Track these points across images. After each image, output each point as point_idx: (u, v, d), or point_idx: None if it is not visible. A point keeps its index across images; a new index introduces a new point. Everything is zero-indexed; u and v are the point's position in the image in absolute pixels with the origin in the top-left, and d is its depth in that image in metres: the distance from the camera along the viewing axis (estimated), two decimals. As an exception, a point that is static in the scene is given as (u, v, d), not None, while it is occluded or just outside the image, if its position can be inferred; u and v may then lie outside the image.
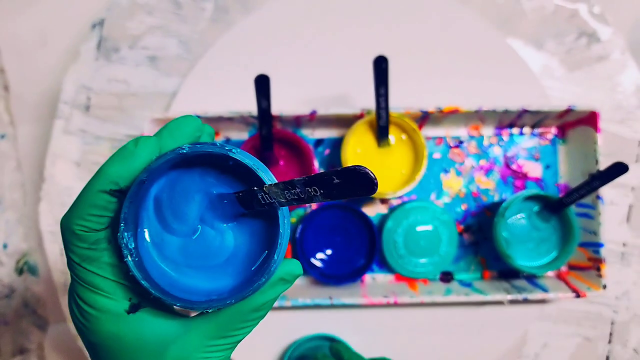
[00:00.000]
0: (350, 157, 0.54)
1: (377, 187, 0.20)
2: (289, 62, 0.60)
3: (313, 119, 0.55)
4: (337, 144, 0.58)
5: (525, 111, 0.54)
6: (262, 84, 0.48)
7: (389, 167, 0.55)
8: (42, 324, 0.62)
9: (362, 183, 0.20)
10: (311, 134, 0.58)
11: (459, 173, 0.58)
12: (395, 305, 0.57)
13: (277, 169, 0.56)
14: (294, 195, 0.23)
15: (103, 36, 0.60)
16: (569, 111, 0.54)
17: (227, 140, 0.58)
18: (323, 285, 0.56)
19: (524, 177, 0.59)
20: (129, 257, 0.25)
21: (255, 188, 0.25)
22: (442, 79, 0.60)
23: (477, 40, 0.60)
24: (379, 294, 0.54)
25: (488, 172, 0.59)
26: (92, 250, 0.25)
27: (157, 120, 0.54)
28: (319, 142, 0.58)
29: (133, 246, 0.25)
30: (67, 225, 0.25)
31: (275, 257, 0.25)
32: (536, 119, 0.57)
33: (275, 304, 0.52)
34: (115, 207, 0.25)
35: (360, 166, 0.20)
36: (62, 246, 0.57)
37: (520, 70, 0.60)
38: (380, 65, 0.48)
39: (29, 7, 0.63)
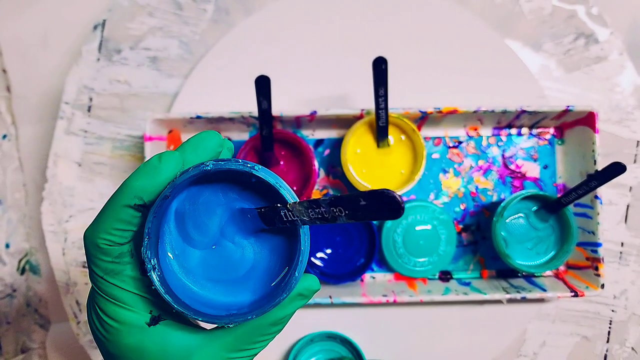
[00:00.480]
0: (350, 157, 0.54)
1: (403, 211, 0.20)
2: (289, 62, 0.60)
3: (313, 120, 0.55)
4: (337, 144, 0.58)
5: (523, 111, 0.54)
6: (263, 85, 0.48)
7: (388, 167, 0.55)
8: (44, 323, 0.62)
9: (390, 207, 0.20)
10: (311, 134, 0.59)
11: (457, 173, 0.59)
12: (395, 304, 0.57)
13: (277, 169, 0.56)
14: (317, 214, 0.23)
15: (104, 37, 0.61)
16: (567, 112, 0.54)
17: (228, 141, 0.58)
18: (323, 284, 0.57)
19: (522, 177, 0.59)
20: (152, 271, 0.25)
21: (278, 205, 0.25)
22: (440, 79, 0.60)
23: (475, 41, 0.61)
24: (378, 293, 0.54)
25: (486, 172, 0.59)
26: (115, 263, 0.25)
27: (159, 121, 0.54)
28: (319, 143, 0.59)
29: (156, 260, 0.25)
30: (91, 239, 0.25)
31: (297, 274, 0.26)
32: (534, 120, 0.57)
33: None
34: (138, 221, 0.25)
35: (388, 190, 0.20)
36: (64, 246, 0.58)
37: (518, 71, 0.60)
38: (380, 66, 0.48)
39: (30, 8, 0.63)
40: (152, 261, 0.25)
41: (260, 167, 0.26)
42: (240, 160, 0.26)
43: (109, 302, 0.26)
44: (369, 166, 0.55)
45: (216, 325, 0.27)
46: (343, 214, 0.22)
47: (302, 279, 0.27)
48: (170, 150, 0.25)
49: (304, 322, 0.58)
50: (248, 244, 0.28)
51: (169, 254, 0.27)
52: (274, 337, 0.28)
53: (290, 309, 0.28)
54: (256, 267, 0.28)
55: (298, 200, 0.25)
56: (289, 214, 0.24)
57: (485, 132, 0.59)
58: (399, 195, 0.20)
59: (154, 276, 0.25)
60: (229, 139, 0.58)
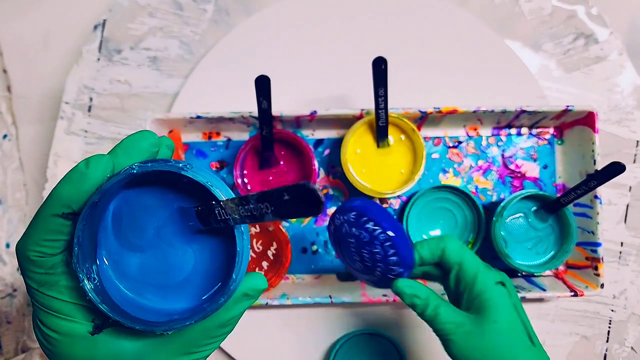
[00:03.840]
0: (350, 157, 0.54)
1: (323, 206, 0.19)
2: (289, 62, 0.60)
3: (313, 120, 0.55)
4: (336, 144, 0.58)
5: (523, 111, 0.54)
6: (263, 85, 0.48)
7: (388, 167, 0.55)
8: (45, 323, 0.62)
9: (309, 201, 0.19)
10: (311, 134, 0.59)
11: (457, 173, 0.59)
12: (395, 303, 0.57)
13: (277, 169, 0.56)
14: (247, 211, 0.22)
15: (105, 37, 0.61)
16: (566, 112, 0.54)
17: (229, 141, 0.58)
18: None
19: (522, 177, 0.59)
20: (85, 281, 0.24)
21: (212, 202, 0.24)
22: (440, 79, 0.60)
23: (475, 41, 0.61)
24: (379, 292, 0.54)
25: (486, 172, 0.59)
26: (49, 275, 0.25)
27: (159, 121, 0.54)
28: (319, 143, 0.59)
29: (95, 267, 0.25)
30: (22, 252, 0.24)
31: (234, 277, 0.25)
32: (534, 120, 0.57)
33: (277, 302, 0.53)
34: (69, 230, 0.24)
35: (309, 183, 0.19)
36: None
37: (518, 71, 0.60)
38: (380, 67, 0.48)
39: (31, 9, 0.64)
40: (85, 271, 0.24)
41: (193, 165, 0.25)
42: (171, 161, 0.25)
43: (48, 314, 0.25)
44: (368, 166, 0.55)
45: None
46: (269, 210, 0.21)
47: (247, 279, 0.27)
48: (99, 154, 0.24)
49: (303, 320, 0.58)
50: (188, 247, 0.27)
51: (106, 260, 0.26)
52: (224, 338, 0.28)
53: (237, 310, 0.27)
54: (197, 270, 0.27)
55: (230, 197, 0.23)
56: (222, 212, 0.23)
57: (485, 132, 0.59)
58: (319, 189, 0.19)
59: (87, 286, 0.24)
60: (230, 139, 0.58)
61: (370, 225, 0.39)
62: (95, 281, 0.25)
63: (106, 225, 0.26)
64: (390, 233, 0.39)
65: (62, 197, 0.23)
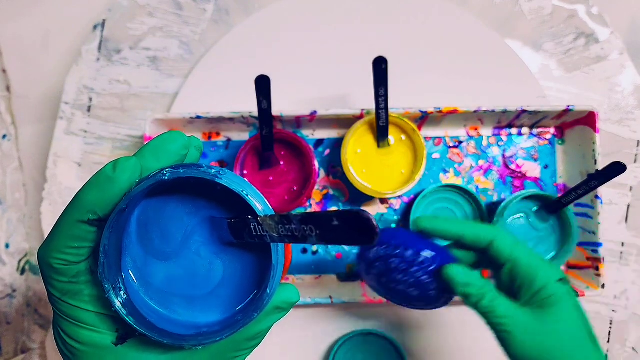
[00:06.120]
0: (350, 157, 0.54)
1: (377, 237, 0.17)
2: (289, 62, 0.60)
3: (313, 120, 0.55)
4: (337, 144, 0.58)
5: (523, 111, 0.54)
6: (263, 85, 0.48)
7: (389, 167, 0.55)
8: (44, 324, 0.62)
9: (362, 231, 0.18)
10: (311, 134, 0.59)
11: (457, 173, 0.59)
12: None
13: (277, 169, 0.56)
14: (287, 231, 0.21)
15: (104, 37, 0.61)
16: (567, 111, 0.54)
17: (228, 141, 0.58)
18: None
19: (523, 177, 0.59)
20: (111, 291, 0.23)
21: (249, 217, 0.23)
22: (441, 79, 0.60)
23: (476, 41, 0.61)
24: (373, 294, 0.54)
25: (487, 172, 0.59)
26: (72, 283, 0.23)
27: (159, 121, 0.54)
28: (319, 143, 0.59)
29: (120, 278, 0.24)
30: (44, 259, 0.23)
31: (268, 291, 0.24)
32: (535, 119, 0.57)
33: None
34: (95, 237, 0.23)
35: (364, 211, 0.18)
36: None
37: (519, 71, 0.60)
38: (380, 66, 0.48)
39: (30, 9, 0.63)
40: (110, 280, 0.23)
41: (226, 172, 0.23)
42: (203, 166, 0.23)
43: (70, 323, 0.24)
44: (369, 166, 0.55)
45: None
46: (314, 234, 0.20)
47: (280, 290, 0.26)
48: (126, 157, 0.23)
49: (302, 320, 0.58)
50: (216, 257, 0.26)
51: (131, 269, 0.25)
52: (251, 351, 0.27)
53: (267, 323, 0.26)
54: (226, 282, 0.26)
55: (269, 214, 0.22)
56: (259, 228, 0.22)
57: (486, 132, 0.59)
58: (374, 219, 0.17)
59: (114, 297, 0.23)
60: (230, 139, 0.58)
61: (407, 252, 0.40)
62: (121, 291, 0.23)
63: (130, 232, 0.25)
64: (428, 253, 0.39)
65: (87, 202, 0.22)
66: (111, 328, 0.25)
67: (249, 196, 0.23)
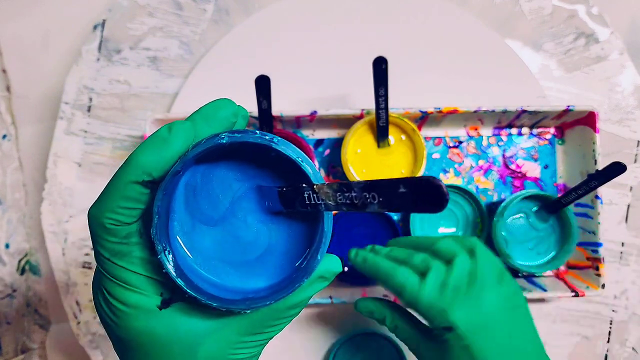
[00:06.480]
0: (350, 157, 0.54)
1: (447, 204, 0.17)
2: (289, 62, 0.60)
3: (313, 120, 0.55)
4: (337, 144, 0.58)
5: (523, 111, 0.54)
6: (263, 85, 0.48)
7: (389, 167, 0.55)
8: (44, 324, 0.62)
9: (433, 198, 0.17)
10: (311, 134, 0.59)
11: (457, 173, 0.59)
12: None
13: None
14: (346, 199, 0.21)
15: (104, 37, 0.61)
16: (567, 111, 0.54)
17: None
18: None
19: (523, 177, 0.59)
20: (163, 252, 0.23)
21: (303, 185, 0.23)
22: (441, 79, 0.60)
23: (476, 41, 0.61)
24: (379, 292, 0.54)
25: (487, 172, 0.59)
26: (123, 244, 0.24)
27: (159, 121, 0.54)
28: (319, 143, 0.59)
29: (167, 242, 0.24)
30: (96, 219, 0.23)
31: (318, 257, 0.24)
32: (535, 119, 0.57)
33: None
34: (147, 199, 0.23)
35: (434, 178, 0.17)
36: (63, 246, 0.58)
37: (519, 71, 0.60)
38: (380, 66, 0.48)
39: (30, 9, 0.63)
40: (162, 242, 0.23)
41: (280, 139, 0.23)
42: (257, 132, 0.23)
43: (117, 285, 0.24)
44: (369, 166, 0.55)
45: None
46: (376, 201, 0.19)
47: (323, 260, 0.25)
48: (180, 121, 0.23)
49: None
50: (263, 225, 0.26)
51: (179, 234, 0.25)
52: (290, 320, 0.27)
53: (310, 292, 0.26)
54: (272, 248, 0.26)
55: (325, 182, 0.22)
56: (314, 197, 0.22)
57: (486, 132, 0.59)
58: (444, 186, 0.17)
59: (165, 258, 0.23)
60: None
61: None
62: (169, 254, 0.23)
63: (178, 197, 0.25)
64: None
65: (142, 163, 0.22)
66: (156, 292, 0.25)
67: (304, 163, 0.23)
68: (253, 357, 0.27)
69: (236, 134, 0.23)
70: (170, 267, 0.23)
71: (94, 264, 0.64)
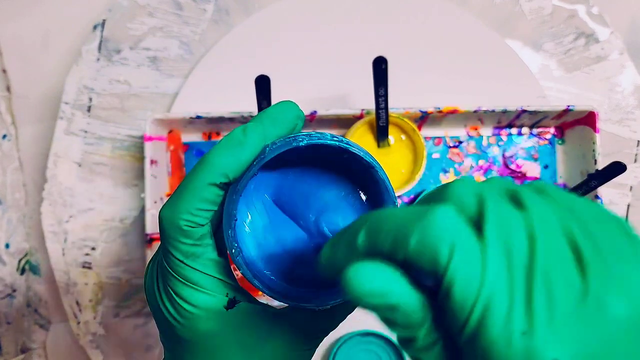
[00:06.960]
0: (350, 157, 0.54)
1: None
2: (289, 62, 0.60)
3: (313, 120, 0.55)
4: (337, 144, 0.58)
5: (523, 111, 0.54)
6: (263, 85, 0.48)
7: (389, 167, 0.55)
8: (44, 324, 0.62)
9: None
10: (311, 134, 0.59)
11: (458, 173, 0.59)
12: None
13: (277, 169, 0.56)
14: None
15: (104, 37, 0.61)
16: (567, 111, 0.54)
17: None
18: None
19: (523, 176, 0.59)
20: (239, 254, 0.23)
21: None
22: (441, 79, 0.60)
23: (475, 41, 0.61)
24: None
25: (487, 172, 0.59)
26: (197, 246, 0.24)
27: (159, 121, 0.54)
28: (319, 143, 0.59)
29: (239, 244, 0.24)
30: (171, 220, 0.23)
31: None
32: (535, 119, 0.57)
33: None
34: (221, 201, 0.23)
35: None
36: (63, 246, 0.58)
37: (519, 71, 0.60)
38: (380, 66, 0.48)
39: (30, 9, 0.63)
40: (239, 244, 0.23)
41: (354, 143, 0.23)
42: (327, 134, 0.23)
43: (186, 286, 0.24)
44: (369, 166, 0.55)
45: (289, 307, 0.26)
46: None
47: None
48: (252, 123, 0.23)
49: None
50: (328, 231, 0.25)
51: (248, 236, 0.25)
52: (343, 319, 0.27)
53: None
54: None
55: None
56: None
57: (486, 131, 0.59)
58: None
59: (243, 260, 0.23)
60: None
61: None
62: (242, 255, 0.24)
63: (249, 198, 0.25)
64: None
65: (220, 165, 0.22)
66: (222, 292, 0.25)
67: (380, 172, 0.23)
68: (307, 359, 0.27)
69: (313, 137, 0.23)
70: (246, 269, 0.23)
71: (94, 264, 0.64)
